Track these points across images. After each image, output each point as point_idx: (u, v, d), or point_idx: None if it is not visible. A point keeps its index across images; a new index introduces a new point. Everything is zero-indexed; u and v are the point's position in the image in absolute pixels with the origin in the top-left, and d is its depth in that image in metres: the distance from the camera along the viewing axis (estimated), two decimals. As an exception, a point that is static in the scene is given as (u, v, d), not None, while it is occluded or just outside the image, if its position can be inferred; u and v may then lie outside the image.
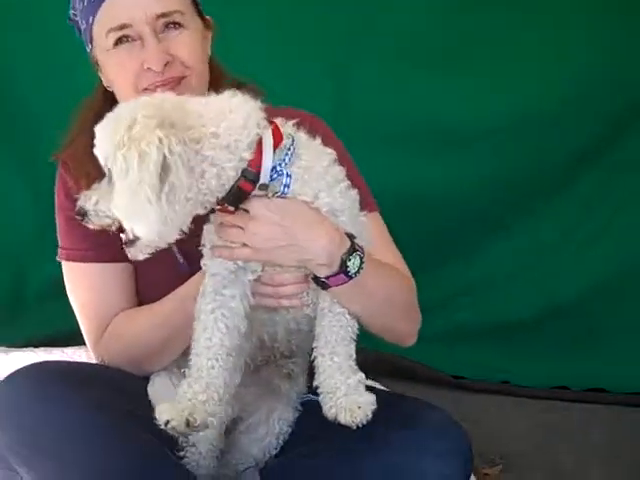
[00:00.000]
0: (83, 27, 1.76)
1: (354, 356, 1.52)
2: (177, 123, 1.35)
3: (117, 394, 1.60)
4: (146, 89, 1.69)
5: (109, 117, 1.43)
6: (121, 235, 1.48)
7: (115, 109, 1.44)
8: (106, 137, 1.39)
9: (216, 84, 1.73)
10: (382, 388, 2.13)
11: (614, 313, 3.08)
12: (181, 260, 1.79)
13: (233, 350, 1.51)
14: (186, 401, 1.44)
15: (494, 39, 3.04)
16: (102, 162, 1.42)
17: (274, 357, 1.71)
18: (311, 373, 1.58)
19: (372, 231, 1.63)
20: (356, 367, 1.52)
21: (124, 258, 1.78)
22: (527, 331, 3.09)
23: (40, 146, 2.90)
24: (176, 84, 1.69)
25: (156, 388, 1.75)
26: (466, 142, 3.07)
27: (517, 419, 2.88)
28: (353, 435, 1.48)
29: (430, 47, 3.03)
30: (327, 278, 1.51)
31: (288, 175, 1.45)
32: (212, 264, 1.52)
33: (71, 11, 1.81)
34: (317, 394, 1.56)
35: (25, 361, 1.88)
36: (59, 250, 1.87)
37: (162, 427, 1.42)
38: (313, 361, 1.55)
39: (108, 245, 1.78)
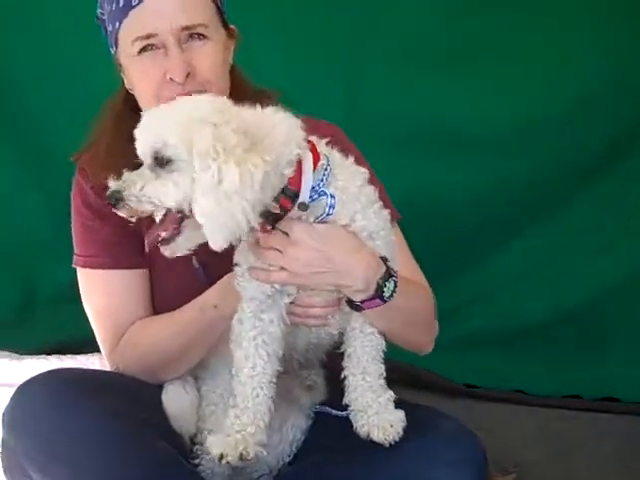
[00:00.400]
0: (109, 29, 1.77)
1: (384, 374, 1.58)
2: (254, 137, 1.40)
3: (132, 402, 1.61)
4: (167, 100, 1.69)
5: (168, 109, 1.46)
6: (148, 234, 1.50)
7: (173, 103, 1.47)
8: (167, 129, 1.41)
9: (237, 92, 1.74)
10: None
11: (627, 320, 3.06)
12: (197, 265, 1.79)
13: (274, 376, 1.54)
14: (235, 433, 1.48)
15: (500, 41, 3.03)
16: (150, 149, 1.43)
17: (292, 367, 1.73)
18: (330, 384, 1.62)
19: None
20: (385, 385, 1.57)
21: (140, 265, 1.83)
22: (539, 339, 3.07)
23: (52, 148, 2.96)
24: None
25: (170, 396, 1.76)
26: (473, 145, 3.07)
27: (530, 428, 2.85)
28: (367, 444, 1.52)
29: (436, 49, 3.03)
30: (362, 302, 1.54)
31: (332, 196, 1.47)
32: (249, 287, 1.54)
33: (99, 10, 1.82)
34: (333, 406, 1.61)
35: (38, 368, 1.91)
36: (75, 257, 1.87)
37: (215, 461, 1.47)
38: (333, 373, 1.59)
39: (124, 252, 1.82)
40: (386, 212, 1.57)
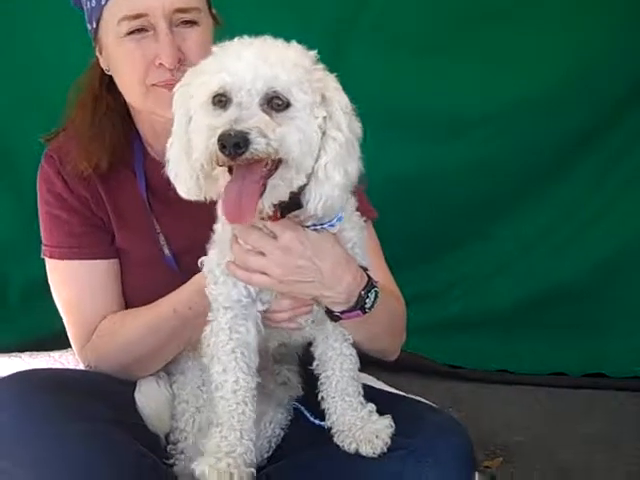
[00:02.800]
0: (92, 5, 1.67)
1: (362, 392, 1.55)
2: None
3: (103, 402, 1.55)
4: (154, 85, 1.63)
5: (267, 48, 1.34)
6: (229, 189, 1.33)
7: (259, 42, 1.35)
8: (290, 73, 1.31)
9: None
10: (381, 387, 2.10)
11: (611, 298, 3.06)
12: (168, 254, 1.74)
13: (255, 389, 1.48)
14: (225, 457, 1.41)
15: (491, 22, 2.99)
16: (268, 89, 1.29)
17: (267, 364, 1.68)
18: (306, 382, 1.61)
19: (367, 242, 1.61)
20: (364, 400, 1.55)
21: (108, 255, 1.77)
22: (524, 318, 3.05)
23: (19, 144, 2.88)
24: None
25: (143, 394, 1.70)
26: (462, 129, 3.03)
27: (516, 408, 2.85)
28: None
29: (420, 34, 2.97)
30: (341, 313, 1.50)
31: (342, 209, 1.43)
32: (223, 294, 1.46)
33: None
34: (311, 406, 1.60)
35: (11, 367, 1.90)
36: (43, 247, 1.81)
37: None
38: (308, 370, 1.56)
39: (91, 242, 1.76)
40: (362, 220, 1.53)
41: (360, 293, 1.48)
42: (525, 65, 2.99)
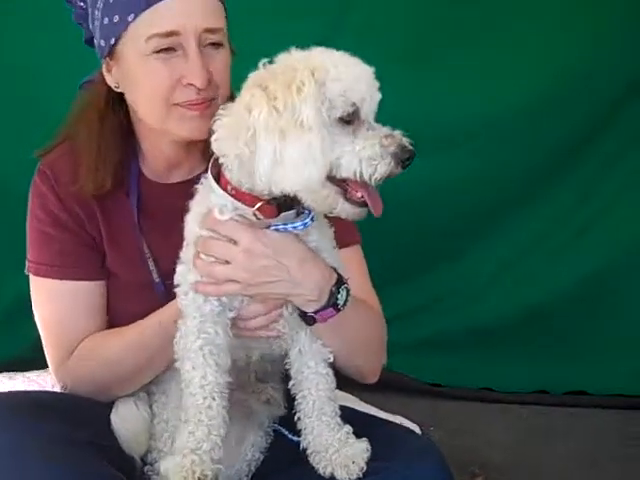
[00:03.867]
0: (111, 21, 1.62)
1: (339, 412, 1.54)
2: None
3: (77, 424, 1.52)
4: (177, 104, 1.61)
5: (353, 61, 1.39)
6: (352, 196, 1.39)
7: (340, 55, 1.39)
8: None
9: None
10: (362, 406, 2.09)
11: (593, 316, 3.05)
12: (157, 279, 1.72)
13: (225, 387, 1.47)
14: (190, 453, 1.40)
15: (478, 33, 2.98)
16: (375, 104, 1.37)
17: (249, 380, 1.67)
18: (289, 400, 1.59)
19: (352, 265, 1.63)
20: (341, 421, 1.53)
21: (96, 277, 1.75)
22: (505, 336, 3.05)
23: (5, 156, 2.86)
24: (208, 107, 1.62)
25: (120, 416, 1.67)
26: (449, 141, 3.01)
27: (497, 426, 2.84)
28: None
29: (409, 44, 2.96)
30: (315, 312, 1.49)
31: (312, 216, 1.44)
32: (193, 305, 1.47)
33: (79, 2, 1.71)
34: (291, 427, 1.57)
35: None
36: (27, 263, 1.77)
37: None
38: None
39: (80, 262, 1.73)
40: (331, 230, 1.53)
41: (331, 289, 1.48)
42: (511, 76, 2.98)
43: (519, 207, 3.09)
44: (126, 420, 1.67)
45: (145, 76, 1.62)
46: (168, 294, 1.66)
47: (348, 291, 1.51)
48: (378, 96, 1.38)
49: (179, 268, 1.50)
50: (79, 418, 1.56)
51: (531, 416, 2.91)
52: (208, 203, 1.46)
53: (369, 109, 1.36)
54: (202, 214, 1.47)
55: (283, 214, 1.43)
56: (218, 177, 1.45)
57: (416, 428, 2.31)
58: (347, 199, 1.37)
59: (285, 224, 1.44)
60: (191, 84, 1.59)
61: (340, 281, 1.50)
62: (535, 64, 2.97)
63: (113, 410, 1.68)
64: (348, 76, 1.34)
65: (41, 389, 2.20)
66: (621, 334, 3.04)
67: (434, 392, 3.01)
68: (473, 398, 2.99)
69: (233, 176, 1.41)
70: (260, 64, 1.39)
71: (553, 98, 2.98)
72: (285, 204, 1.42)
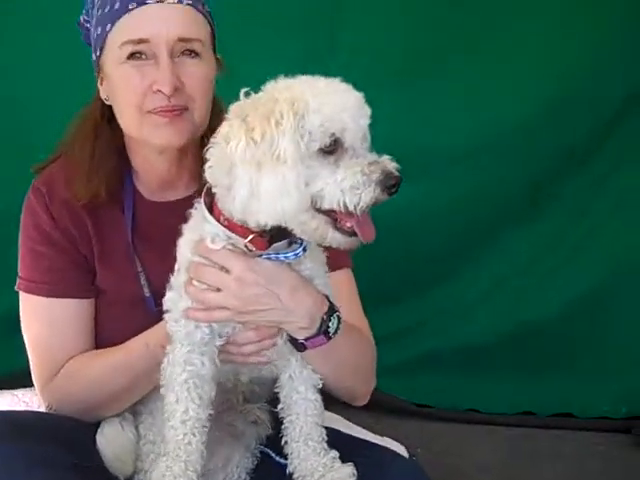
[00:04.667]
0: (97, 33, 1.66)
1: (326, 438, 1.54)
2: None
3: (61, 446, 1.52)
4: (149, 112, 1.62)
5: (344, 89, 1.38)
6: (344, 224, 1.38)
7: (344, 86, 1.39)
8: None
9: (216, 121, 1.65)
10: (349, 427, 2.09)
11: (580, 338, 3.06)
12: (148, 294, 1.72)
13: (206, 421, 1.47)
14: None
15: (472, 51, 2.97)
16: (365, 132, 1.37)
17: (237, 401, 1.67)
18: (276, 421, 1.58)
19: (342, 289, 1.64)
20: (327, 447, 1.53)
21: (86, 295, 1.74)
22: (492, 358, 3.05)
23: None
24: (178, 115, 1.63)
25: (106, 437, 1.67)
26: (434, 162, 3.00)
27: (483, 448, 2.84)
28: None
29: (401, 63, 2.96)
30: (306, 340, 1.49)
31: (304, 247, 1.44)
32: (183, 331, 1.47)
33: (82, 16, 1.74)
34: (278, 448, 1.57)
35: None
36: (18, 279, 1.77)
37: None
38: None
39: (70, 280, 1.73)
40: (323, 255, 1.53)
41: (323, 317, 1.48)
42: (504, 95, 2.98)
43: (509, 229, 3.09)
44: (112, 441, 1.66)
45: (120, 83, 1.65)
46: (159, 310, 1.64)
47: (339, 319, 1.51)
48: (365, 122, 1.37)
49: (169, 294, 1.50)
50: (62, 439, 1.55)
51: (517, 437, 2.91)
52: (201, 231, 1.45)
53: (354, 137, 1.34)
54: (195, 241, 1.46)
55: (274, 245, 1.43)
56: (211, 206, 1.44)
57: (403, 450, 2.30)
58: (337, 228, 1.36)
59: (277, 254, 1.44)
60: (160, 90, 1.60)
61: (332, 309, 1.50)
62: (528, 84, 2.97)
63: (99, 431, 1.68)
64: (329, 106, 1.32)
65: (27, 409, 2.18)
66: (608, 357, 3.05)
67: (422, 413, 3.01)
68: (460, 420, 2.99)
69: (225, 207, 1.41)
70: (241, 93, 1.38)
71: (546, 118, 2.97)
72: (278, 235, 1.41)
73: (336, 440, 1.56)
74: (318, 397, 1.55)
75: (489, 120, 2.98)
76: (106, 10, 1.63)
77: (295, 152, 1.29)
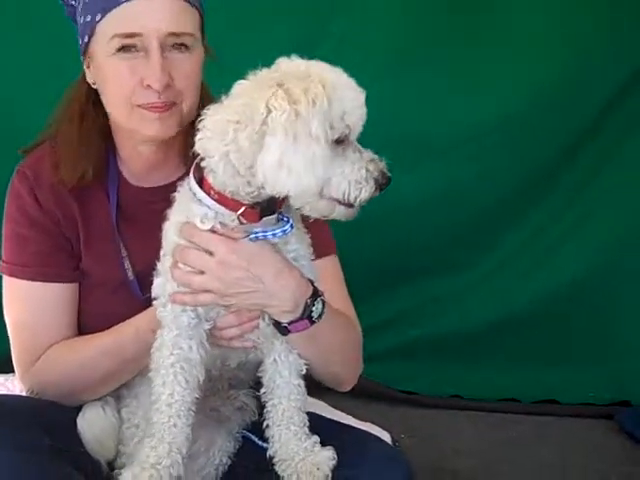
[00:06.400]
0: (85, 20, 1.64)
1: (307, 424, 1.55)
2: None
3: (43, 430, 1.51)
4: (139, 106, 1.61)
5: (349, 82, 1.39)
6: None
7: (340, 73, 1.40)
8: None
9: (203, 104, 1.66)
10: (332, 412, 2.09)
11: (565, 325, 3.07)
12: (132, 277, 1.72)
13: (193, 404, 1.48)
14: (150, 468, 1.42)
15: (468, 38, 2.97)
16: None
17: (222, 387, 1.68)
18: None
19: (328, 275, 1.65)
20: (309, 432, 1.54)
21: (70, 279, 1.74)
22: (477, 345, 3.06)
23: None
24: (168, 109, 1.62)
25: (87, 420, 1.66)
26: (426, 149, 3.01)
27: (467, 434, 2.85)
28: None
29: (394, 52, 2.96)
30: (289, 323, 1.49)
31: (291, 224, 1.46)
32: (170, 317, 1.48)
33: None
34: (260, 432, 1.57)
35: None
36: (1, 263, 1.76)
37: None
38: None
39: (55, 264, 1.73)
40: (308, 236, 1.54)
41: (306, 301, 1.49)
42: (494, 85, 2.98)
43: (502, 218, 3.10)
44: (93, 424, 1.65)
45: (110, 75, 1.63)
46: (143, 295, 1.67)
47: (324, 303, 1.52)
48: (365, 119, 1.40)
49: (157, 280, 1.50)
50: (45, 423, 1.55)
51: (501, 424, 2.92)
52: (188, 212, 1.45)
53: (357, 131, 1.39)
54: (181, 223, 1.47)
55: (264, 219, 1.44)
56: (201, 182, 1.44)
57: (386, 435, 2.32)
58: (341, 204, 1.40)
59: (265, 231, 1.44)
60: (150, 86, 1.59)
61: (316, 293, 1.50)
62: (527, 70, 2.96)
63: (80, 414, 1.67)
64: (349, 101, 1.37)
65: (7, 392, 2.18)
66: (591, 343, 3.07)
67: (406, 400, 3.01)
68: (444, 406, 3.00)
69: (217, 179, 1.41)
70: (260, 69, 1.40)
71: (544, 105, 2.98)
72: (267, 208, 1.43)
73: (316, 424, 1.57)
74: (301, 382, 1.56)
75: (487, 107, 2.98)
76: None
77: (324, 134, 1.33)
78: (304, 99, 1.32)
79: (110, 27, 1.60)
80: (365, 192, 1.37)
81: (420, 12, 2.93)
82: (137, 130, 1.66)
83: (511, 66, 2.97)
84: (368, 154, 1.40)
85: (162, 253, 1.51)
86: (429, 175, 3.00)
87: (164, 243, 1.50)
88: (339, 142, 1.36)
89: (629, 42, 2.95)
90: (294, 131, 1.31)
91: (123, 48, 1.59)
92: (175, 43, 1.60)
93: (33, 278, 1.72)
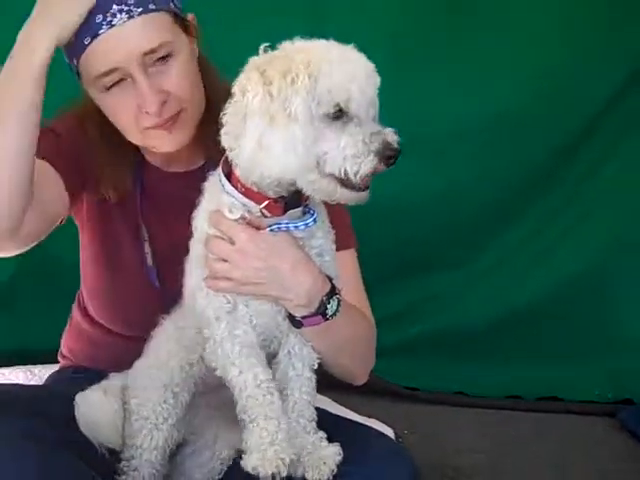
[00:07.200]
0: (69, 63, 1.63)
1: (316, 419, 1.54)
2: None
3: (44, 420, 1.49)
4: (147, 128, 1.62)
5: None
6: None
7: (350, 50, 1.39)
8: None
9: (213, 95, 1.68)
10: (336, 408, 2.09)
11: (569, 322, 3.07)
12: (150, 264, 1.74)
13: (273, 380, 1.48)
14: (271, 446, 1.40)
15: (468, 34, 2.94)
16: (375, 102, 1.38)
17: None
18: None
19: (346, 269, 1.65)
20: (316, 427, 1.53)
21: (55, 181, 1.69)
22: (480, 341, 3.06)
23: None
24: (175, 121, 1.63)
25: (86, 401, 1.63)
26: (426, 146, 2.92)
27: (470, 431, 2.85)
28: None
29: (397, 53, 2.90)
30: (303, 318, 1.49)
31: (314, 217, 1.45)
32: (209, 305, 1.48)
33: None
34: None
35: None
36: None
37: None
38: None
39: (54, 167, 1.69)
40: (333, 232, 1.53)
41: (322, 298, 1.48)
42: (494, 80, 2.95)
43: (502, 215, 3.09)
44: (92, 406, 1.62)
45: (109, 110, 1.65)
46: (159, 282, 1.71)
47: (339, 302, 1.51)
48: (373, 92, 1.36)
49: (187, 270, 1.53)
50: (45, 413, 1.53)
51: (504, 421, 2.92)
52: (218, 201, 1.46)
53: (359, 106, 1.34)
54: (210, 211, 1.47)
55: (289, 212, 1.44)
56: (229, 175, 1.45)
57: (390, 431, 2.32)
58: (345, 185, 1.36)
59: (287, 223, 1.44)
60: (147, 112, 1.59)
61: (333, 291, 1.50)
62: (516, 77, 2.95)
63: (79, 396, 1.63)
64: (339, 75, 1.33)
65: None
66: (594, 340, 3.07)
67: (410, 396, 3.01)
68: (447, 402, 3.00)
69: (240, 172, 1.42)
70: (260, 49, 1.38)
71: (543, 101, 2.96)
72: (292, 202, 1.43)
73: (322, 418, 1.56)
74: (313, 376, 1.55)
75: (486, 107, 2.96)
76: (73, 40, 1.56)
77: (306, 112, 1.30)
78: (278, 79, 1.31)
79: (87, 70, 1.59)
80: (365, 166, 1.32)
81: (419, 12, 2.92)
82: (154, 147, 1.69)
83: (510, 66, 2.95)
84: (373, 127, 1.35)
85: (190, 243, 1.52)
86: (428, 174, 2.98)
87: (194, 230, 1.51)
88: (337, 117, 1.33)
89: (628, 42, 2.94)
90: (270, 113, 1.30)
91: (110, 85, 1.58)
92: (156, 59, 1.58)
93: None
